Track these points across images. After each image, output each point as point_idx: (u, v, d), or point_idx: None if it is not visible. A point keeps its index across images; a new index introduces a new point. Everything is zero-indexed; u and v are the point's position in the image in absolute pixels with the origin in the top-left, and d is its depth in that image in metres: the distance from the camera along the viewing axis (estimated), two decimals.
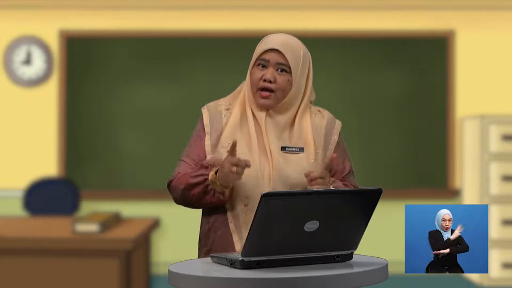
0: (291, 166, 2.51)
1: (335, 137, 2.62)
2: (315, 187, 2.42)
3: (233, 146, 2.38)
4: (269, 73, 2.54)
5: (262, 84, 2.55)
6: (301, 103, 2.60)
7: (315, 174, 2.41)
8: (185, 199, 2.55)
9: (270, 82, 2.54)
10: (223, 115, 2.61)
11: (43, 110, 7.22)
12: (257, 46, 2.61)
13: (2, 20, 7.24)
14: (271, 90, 2.54)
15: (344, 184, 2.57)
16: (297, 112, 2.60)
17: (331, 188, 2.49)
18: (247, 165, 2.39)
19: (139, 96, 7.18)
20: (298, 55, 2.57)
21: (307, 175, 2.42)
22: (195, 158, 2.59)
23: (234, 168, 2.39)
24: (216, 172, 2.47)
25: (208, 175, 2.49)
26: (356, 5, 7.22)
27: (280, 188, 2.51)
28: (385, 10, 7.25)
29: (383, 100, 7.18)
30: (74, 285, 4.32)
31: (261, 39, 2.73)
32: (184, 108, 7.15)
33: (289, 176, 2.50)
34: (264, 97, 2.54)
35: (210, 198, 2.50)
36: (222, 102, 2.65)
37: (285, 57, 2.54)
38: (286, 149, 2.54)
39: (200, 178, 2.50)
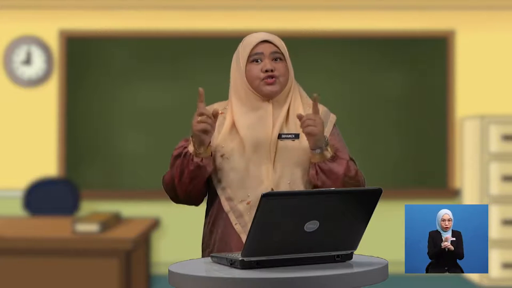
0: (287, 156, 2.52)
1: (329, 128, 2.63)
2: (308, 129, 2.44)
3: (200, 95, 2.44)
4: (268, 63, 2.56)
5: (263, 75, 2.56)
6: (289, 90, 2.63)
7: (304, 117, 2.44)
8: (173, 181, 2.55)
9: (271, 71, 2.55)
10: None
11: (43, 110, 7.22)
12: (239, 50, 2.63)
13: (2, 20, 7.24)
14: (275, 77, 2.56)
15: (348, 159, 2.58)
16: (290, 101, 2.62)
17: (327, 139, 2.51)
18: (214, 114, 2.44)
19: (139, 96, 7.18)
20: (283, 44, 2.63)
21: (299, 117, 2.45)
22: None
23: (199, 118, 2.44)
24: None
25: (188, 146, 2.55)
26: (356, 5, 7.22)
27: (280, 180, 2.52)
28: (385, 10, 7.25)
29: (383, 100, 7.18)
30: (74, 285, 4.32)
31: None
32: (184, 108, 7.15)
33: (286, 168, 2.52)
34: (270, 83, 2.55)
35: (189, 167, 2.50)
36: (217, 107, 2.67)
37: (276, 46, 2.58)
38: (282, 136, 2.55)
39: (180, 149, 2.55)
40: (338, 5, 7.22)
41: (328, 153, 2.49)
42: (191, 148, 2.50)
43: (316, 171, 2.49)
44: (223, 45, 7.18)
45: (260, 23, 7.23)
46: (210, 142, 2.50)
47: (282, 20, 7.24)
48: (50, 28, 7.24)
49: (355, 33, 7.19)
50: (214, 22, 7.24)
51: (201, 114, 2.44)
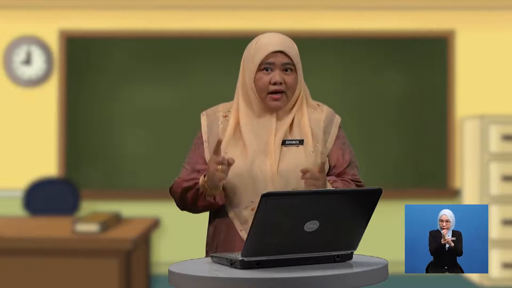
0: (292, 161, 2.51)
1: (335, 130, 2.62)
2: (309, 185, 2.42)
3: (218, 144, 2.40)
4: (277, 75, 2.53)
5: (272, 88, 2.53)
6: (296, 100, 2.62)
7: (309, 174, 2.41)
8: (183, 203, 2.58)
9: (280, 84, 2.53)
10: (220, 122, 2.61)
11: (43, 110, 7.22)
12: (252, 50, 2.56)
13: (2, 20, 7.24)
14: (281, 92, 2.54)
15: (344, 182, 2.56)
16: (296, 109, 2.61)
17: (330, 188, 2.49)
18: (230, 163, 2.40)
19: (139, 96, 7.18)
20: (296, 52, 2.59)
21: (303, 172, 2.42)
22: (194, 165, 2.61)
23: (219, 167, 2.40)
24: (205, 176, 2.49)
25: (199, 179, 2.52)
26: (356, 5, 7.22)
27: (284, 186, 2.51)
28: (385, 10, 7.25)
29: (383, 100, 7.18)
30: (74, 285, 4.32)
31: None
32: (184, 108, 7.15)
33: (291, 173, 2.51)
34: (275, 99, 2.54)
35: (201, 202, 2.52)
36: (221, 109, 2.65)
37: (288, 56, 2.55)
38: (286, 142, 2.54)
39: (191, 182, 2.53)
40: (339, 5, 7.22)
41: None
42: (202, 187, 2.50)
43: None
44: (223, 45, 7.17)
45: (261, 23, 7.23)
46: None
47: (283, 20, 7.24)
48: (50, 28, 7.24)
49: (355, 33, 7.19)
50: (214, 22, 7.24)
51: (221, 163, 2.40)
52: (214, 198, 2.51)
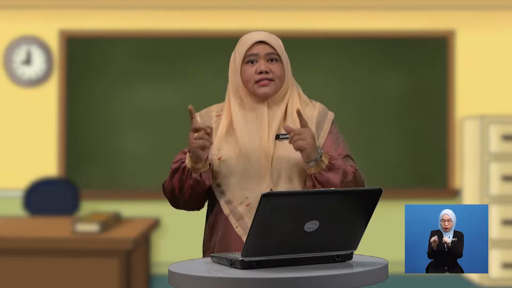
0: (285, 155, 2.51)
1: (327, 126, 2.62)
2: (297, 144, 2.42)
3: (190, 113, 2.41)
4: (262, 65, 2.55)
5: (258, 77, 2.54)
6: (287, 91, 2.62)
7: (292, 134, 2.42)
8: (173, 192, 2.56)
9: (266, 72, 2.54)
10: (213, 121, 2.62)
11: (43, 110, 7.22)
12: (236, 49, 2.61)
13: (2, 20, 7.24)
14: (269, 80, 2.54)
15: (343, 161, 2.55)
16: (288, 100, 2.61)
17: (320, 149, 2.49)
18: (207, 128, 2.41)
19: (139, 96, 7.18)
20: (280, 44, 2.61)
21: (288, 131, 2.43)
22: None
23: (196, 134, 2.41)
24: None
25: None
26: (356, 5, 7.22)
27: (278, 180, 2.51)
28: (385, 10, 7.25)
29: (383, 100, 7.18)
30: (74, 285, 4.32)
31: None
32: (184, 108, 7.15)
33: (284, 168, 2.51)
34: (263, 85, 2.54)
35: (188, 182, 2.50)
36: (214, 109, 2.66)
37: (272, 47, 2.56)
38: (280, 136, 2.54)
39: (178, 163, 2.53)
40: (338, 5, 7.22)
41: (323, 163, 2.47)
42: (188, 163, 2.49)
43: (313, 183, 2.48)
44: (223, 45, 7.17)
45: (260, 23, 7.23)
46: (207, 157, 2.49)
47: (282, 20, 7.24)
48: (50, 28, 7.24)
49: (355, 33, 7.19)
50: (214, 22, 7.24)
51: (197, 130, 2.42)
52: (201, 175, 2.49)
